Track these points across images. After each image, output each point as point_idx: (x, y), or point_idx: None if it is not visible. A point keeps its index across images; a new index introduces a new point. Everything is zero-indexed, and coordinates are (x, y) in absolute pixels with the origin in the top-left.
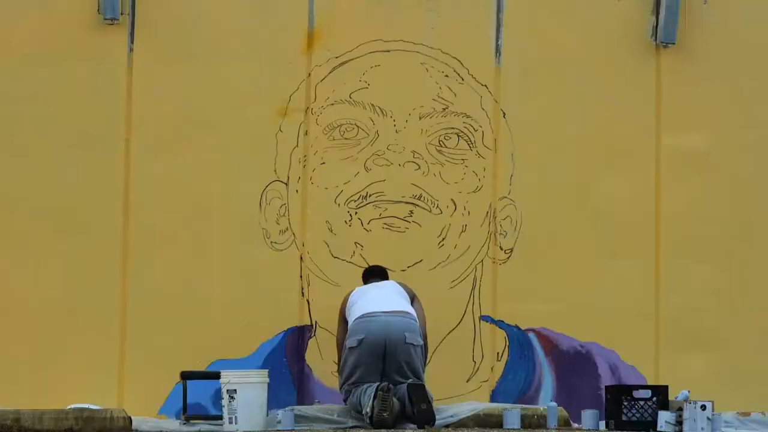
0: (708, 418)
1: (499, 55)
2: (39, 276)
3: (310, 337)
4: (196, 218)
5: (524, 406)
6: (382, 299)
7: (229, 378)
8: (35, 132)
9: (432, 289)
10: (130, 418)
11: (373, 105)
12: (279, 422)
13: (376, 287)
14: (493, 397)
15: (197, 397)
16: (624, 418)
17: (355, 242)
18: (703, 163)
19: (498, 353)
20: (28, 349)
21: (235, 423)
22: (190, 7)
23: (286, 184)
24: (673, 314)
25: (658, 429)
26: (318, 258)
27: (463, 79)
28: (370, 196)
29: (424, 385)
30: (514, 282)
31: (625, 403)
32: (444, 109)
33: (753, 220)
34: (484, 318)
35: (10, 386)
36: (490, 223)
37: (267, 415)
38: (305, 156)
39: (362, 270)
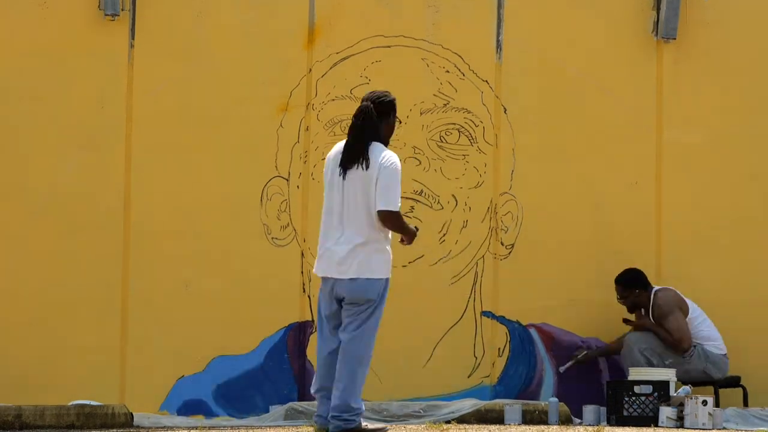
0: (709, 414)
1: (500, 50)
2: (39, 273)
3: (312, 333)
4: (197, 214)
5: (525, 401)
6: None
7: None
8: (35, 129)
9: (433, 284)
10: (131, 414)
11: None
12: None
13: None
14: (495, 393)
15: (198, 393)
16: (625, 413)
17: None
18: (704, 158)
19: (499, 349)
20: (30, 345)
21: None
22: (190, 3)
23: (287, 179)
24: None
25: (659, 424)
26: None
27: (464, 75)
28: None
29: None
30: (515, 277)
31: (627, 399)
32: (445, 105)
33: (753, 214)
34: (485, 314)
35: (12, 382)
36: (491, 218)
37: (268, 411)
38: (306, 152)
39: None
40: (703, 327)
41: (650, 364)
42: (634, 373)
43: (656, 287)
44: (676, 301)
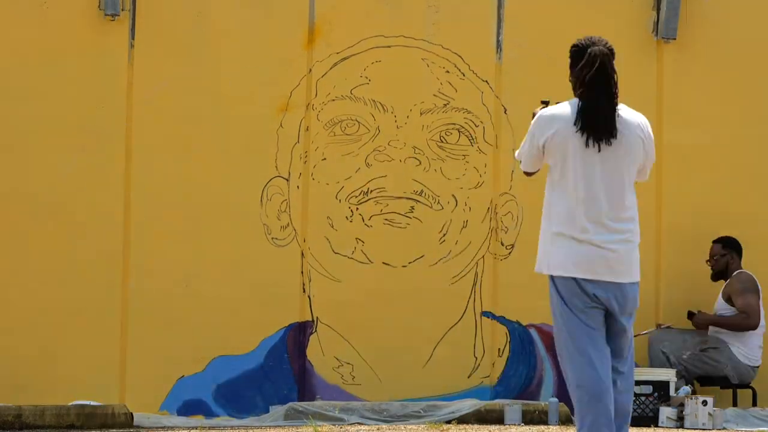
0: (709, 414)
1: (500, 50)
2: (39, 273)
3: (312, 333)
4: (197, 214)
5: (525, 401)
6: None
7: None
8: (35, 129)
9: (433, 285)
10: (131, 414)
11: (374, 101)
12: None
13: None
14: (494, 393)
15: (198, 393)
16: None
17: (356, 238)
18: (704, 158)
19: (499, 349)
20: (30, 346)
21: None
22: (190, 3)
23: (287, 180)
24: (675, 309)
25: (659, 424)
26: (319, 254)
27: (464, 75)
28: (371, 191)
29: None
30: (515, 278)
31: None
32: (445, 105)
33: (754, 215)
34: (485, 314)
35: (12, 382)
36: (491, 218)
37: (268, 411)
38: (306, 152)
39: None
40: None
41: (668, 361)
42: (636, 373)
43: (741, 269)
44: (756, 283)
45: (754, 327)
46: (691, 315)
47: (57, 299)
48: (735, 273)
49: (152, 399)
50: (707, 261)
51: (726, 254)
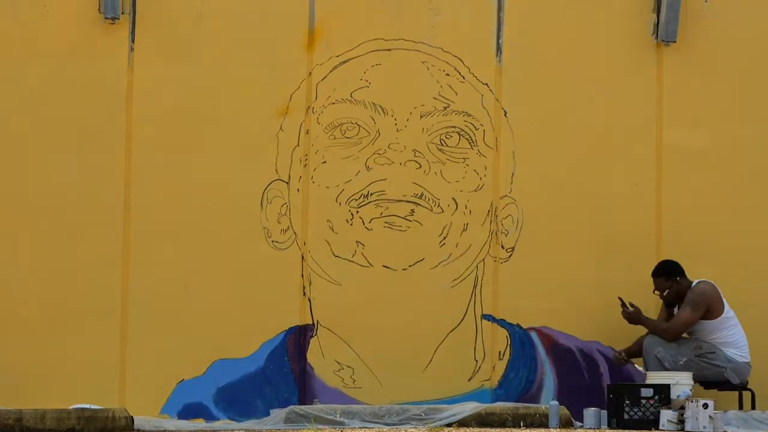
0: (710, 417)
1: (500, 53)
2: (39, 275)
3: (312, 336)
4: (197, 217)
5: (525, 404)
6: None
7: None
8: (35, 131)
9: (433, 288)
10: (131, 417)
11: (374, 104)
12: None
13: None
14: (495, 396)
15: (198, 397)
16: (626, 416)
17: (356, 241)
18: (704, 161)
19: (500, 352)
20: (30, 348)
21: None
22: (190, 6)
23: (287, 183)
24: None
25: (660, 427)
26: (319, 257)
27: (464, 78)
28: (371, 195)
29: None
30: (516, 280)
31: (627, 402)
32: (445, 108)
33: (753, 216)
34: (486, 317)
35: (13, 386)
36: (491, 221)
37: (269, 415)
38: (306, 155)
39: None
40: (732, 332)
41: (663, 366)
42: (650, 377)
43: (699, 280)
44: (709, 299)
45: (668, 340)
46: (624, 305)
47: (57, 300)
48: (693, 285)
49: (153, 402)
50: (654, 291)
51: (671, 284)
